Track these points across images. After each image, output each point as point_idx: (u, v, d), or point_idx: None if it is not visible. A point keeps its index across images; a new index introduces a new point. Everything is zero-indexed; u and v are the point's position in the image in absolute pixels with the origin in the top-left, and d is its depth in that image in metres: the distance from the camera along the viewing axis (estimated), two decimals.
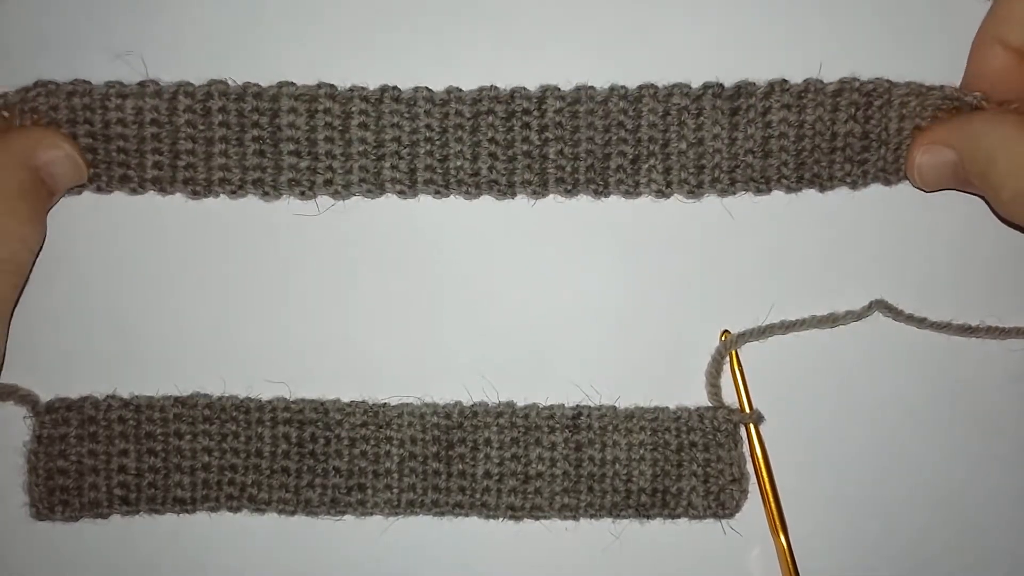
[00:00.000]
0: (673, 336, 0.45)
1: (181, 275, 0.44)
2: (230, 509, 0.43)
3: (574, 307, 0.45)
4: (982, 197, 0.44)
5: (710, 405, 0.44)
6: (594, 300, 0.45)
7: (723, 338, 0.44)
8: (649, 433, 0.43)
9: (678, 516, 0.43)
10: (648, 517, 0.44)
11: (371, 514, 0.44)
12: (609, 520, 0.44)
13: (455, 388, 0.44)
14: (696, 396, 0.44)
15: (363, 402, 0.44)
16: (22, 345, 0.44)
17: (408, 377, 0.44)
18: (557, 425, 0.43)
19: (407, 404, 0.44)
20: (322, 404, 0.44)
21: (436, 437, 0.43)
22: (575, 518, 0.44)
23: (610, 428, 0.43)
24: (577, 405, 0.44)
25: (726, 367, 0.44)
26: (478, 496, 0.43)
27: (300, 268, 0.44)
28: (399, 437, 0.43)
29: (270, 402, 0.44)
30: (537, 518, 0.44)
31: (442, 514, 0.43)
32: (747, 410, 0.44)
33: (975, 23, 0.43)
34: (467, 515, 0.44)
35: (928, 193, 0.45)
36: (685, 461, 0.43)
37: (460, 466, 0.43)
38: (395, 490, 0.43)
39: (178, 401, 0.43)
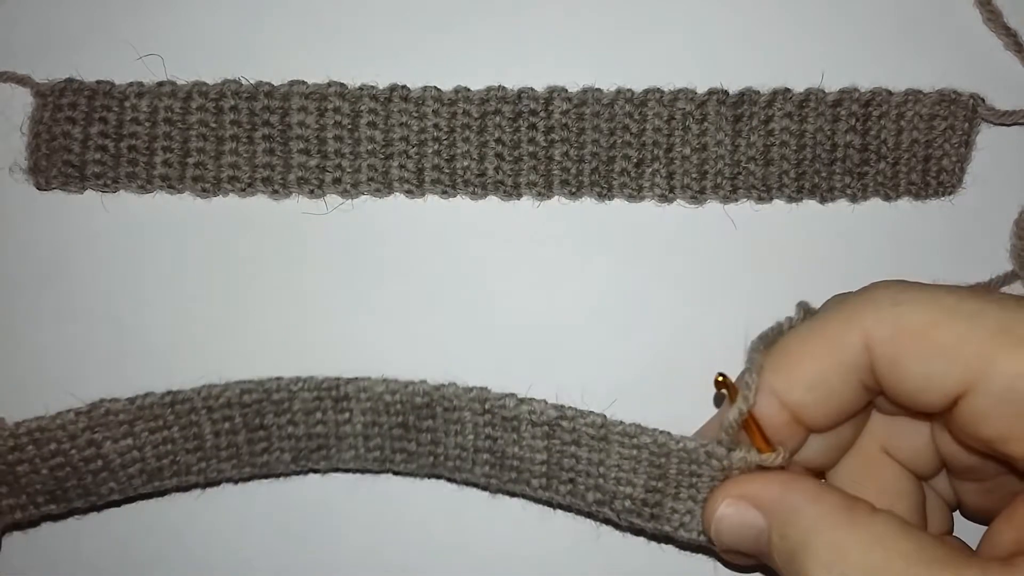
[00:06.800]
0: (674, 340, 0.44)
1: (182, 273, 0.45)
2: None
3: (575, 308, 0.45)
4: None
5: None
6: (595, 302, 0.45)
7: (730, 400, 0.36)
8: (647, 453, 0.38)
9: (670, 534, 0.39)
10: (631, 526, 0.39)
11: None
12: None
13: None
14: (693, 400, 0.43)
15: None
16: (23, 345, 0.44)
17: (412, 374, 0.43)
18: (538, 426, 0.40)
19: (368, 379, 0.41)
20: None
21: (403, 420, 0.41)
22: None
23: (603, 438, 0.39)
24: (562, 406, 0.39)
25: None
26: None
27: (302, 267, 0.45)
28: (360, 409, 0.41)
29: None
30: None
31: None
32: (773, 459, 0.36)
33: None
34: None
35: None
36: (682, 485, 0.38)
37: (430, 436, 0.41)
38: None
39: None
